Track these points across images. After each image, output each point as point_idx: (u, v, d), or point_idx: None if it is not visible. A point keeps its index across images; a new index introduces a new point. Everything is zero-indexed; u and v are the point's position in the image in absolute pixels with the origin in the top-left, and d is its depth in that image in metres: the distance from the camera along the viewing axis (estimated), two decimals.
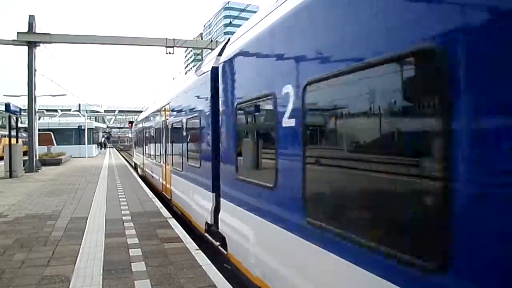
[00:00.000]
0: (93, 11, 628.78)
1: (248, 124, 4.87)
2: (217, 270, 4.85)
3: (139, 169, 20.58)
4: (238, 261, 4.72)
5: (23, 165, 19.12)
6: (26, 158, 20.07)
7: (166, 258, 5.34)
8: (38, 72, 20.84)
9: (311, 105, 3.08)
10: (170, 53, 22.08)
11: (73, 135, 36.46)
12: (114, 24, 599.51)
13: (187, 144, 7.99)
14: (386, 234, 2.29)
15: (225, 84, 5.39)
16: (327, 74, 2.77)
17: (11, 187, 13.86)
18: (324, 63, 2.94)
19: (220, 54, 5.77)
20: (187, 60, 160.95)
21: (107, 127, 76.46)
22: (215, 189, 5.84)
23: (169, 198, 10.13)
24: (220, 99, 5.56)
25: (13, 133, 18.47)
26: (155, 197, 11.08)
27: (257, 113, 4.45)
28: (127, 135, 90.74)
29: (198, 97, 6.95)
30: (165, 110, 11.08)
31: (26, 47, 19.99)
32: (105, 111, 78.23)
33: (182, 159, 8.31)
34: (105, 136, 75.56)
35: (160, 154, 12.03)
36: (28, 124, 20.83)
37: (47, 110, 54.46)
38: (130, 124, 40.44)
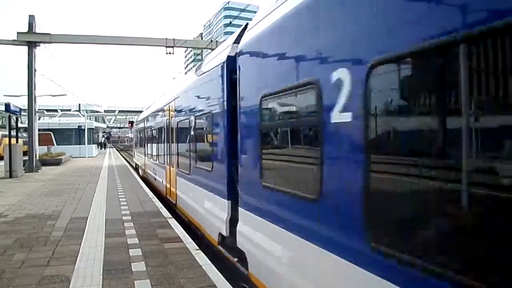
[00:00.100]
0: (93, 11, 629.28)
1: (278, 120, 4.00)
2: (217, 270, 4.84)
3: (140, 170, 20.00)
4: (264, 285, 3.98)
5: (23, 165, 19.12)
6: (26, 158, 20.08)
7: (166, 258, 5.34)
8: (38, 72, 20.88)
9: (378, 93, 2.31)
10: (170, 53, 22.09)
11: (73, 135, 36.51)
12: (114, 24, 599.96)
13: (195, 145, 7.26)
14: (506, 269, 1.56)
15: (245, 75, 4.63)
16: (400, 52, 2.08)
17: (11, 187, 13.85)
18: (397, 38, 2.14)
19: (237, 42, 5.05)
20: (187, 60, 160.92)
21: (107, 127, 76.49)
22: (231, 196, 5.18)
23: (174, 202, 9.47)
24: (238, 92, 4.77)
25: (13, 133, 18.48)
26: (155, 197, 11.07)
27: (291, 107, 3.65)
28: (127, 135, 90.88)
29: (209, 91, 6.19)
30: (169, 108, 10.31)
31: (26, 47, 19.99)
32: (105, 111, 78.26)
33: (190, 160, 7.56)
34: (105, 136, 75.56)
35: (164, 155, 11.31)
36: (28, 124, 20.83)
37: (47, 110, 54.48)
38: (130, 124, 40.44)
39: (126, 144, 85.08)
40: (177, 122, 9.07)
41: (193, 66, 9.81)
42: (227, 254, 5.28)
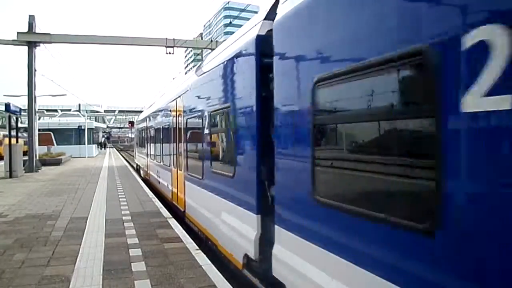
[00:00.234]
0: (93, 11, 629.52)
1: (347, 112, 2.90)
2: (217, 270, 4.84)
3: (142, 172, 19.02)
4: None
5: (23, 165, 19.13)
6: (26, 158, 20.09)
7: (166, 258, 5.34)
8: (38, 72, 20.92)
9: None
10: (170, 53, 22.10)
11: (73, 135, 36.54)
12: (114, 24, 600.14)
13: (210, 145, 6.19)
14: None
15: (288, 55, 3.65)
16: None
17: (11, 187, 13.85)
18: None
19: (269, 18, 4.16)
20: (187, 60, 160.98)
21: (107, 127, 76.54)
22: (261, 209, 4.21)
23: (182, 210, 8.32)
24: (276, 78, 3.80)
25: (13, 133, 18.48)
26: (155, 197, 11.07)
27: (374, 92, 2.50)
28: (127, 135, 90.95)
29: (231, 81, 5.25)
30: (177, 104, 9.10)
31: (26, 47, 20.01)
32: (105, 111, 78.32)
33: (203, 163, 6.45)
34: (105, 136, 75.59)
35: (170, 156, 10.07)
36: (28, 124, 20.85)
37: (47, 110, 54.53)
38: (130, 124, 40.43)
39: (126, 144, 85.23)
40: (187, 119, 7.94)
41: (193, 66, 9.55)
42: (257, 283, 4.33)
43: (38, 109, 29.04)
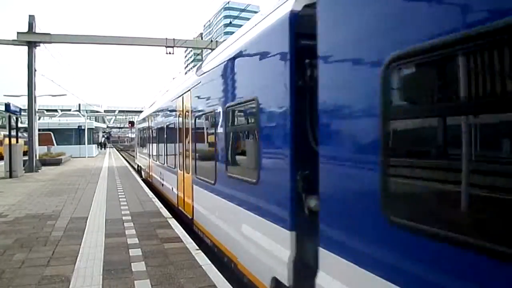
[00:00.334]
0: (93, 11, 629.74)
1: (445, 103, 2.01)
2: (217, 270, 4.84)
3: (143, 173, 18.31)
4: None
5: (23, 165, 19.14)
6: (26, 158, 20.10)
7: (166, 258, 5.34)
8: (38, 72, 20.95)
9: None
10: (170, 53, 22.11)
11: (73, 135, 36.57)
12: (114, 24, 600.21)
13: (224, 145, 5.30)
14: None
15: (340, 30, 2.80)
16: None
17: (11, 187, 13.86)
18: None
19: None
20: (187, 60, 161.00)
21: (107, 127, 76.57)
22: (297, 225, 3.43)
23: (190, 217, 7.51)
24: (322, 60, 2.97)
25: (13, 133, 18.49)
26: (155, 197, 11.07)
27: (487, 73, 1.75)
28: (127, 135, 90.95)
29: (254, 69, 4.43)
30: (183, 100, 8.24)
31: (26, 47, 20.03)
32: (105, 111, 78.34)
33: (216, 165, 5.68)
34: (105, 136, 75.64)
35: (176, 157, 9.15)
36: (28, 124, 20.86)
37: (47, 110, 54.56)
38: (130, 124, 40.43)
39: (126, 144, 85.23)
40: (195, 117, 7.10)
41: (193, 67, 9.35)
42: None
43: (38, 109, 29.06)
